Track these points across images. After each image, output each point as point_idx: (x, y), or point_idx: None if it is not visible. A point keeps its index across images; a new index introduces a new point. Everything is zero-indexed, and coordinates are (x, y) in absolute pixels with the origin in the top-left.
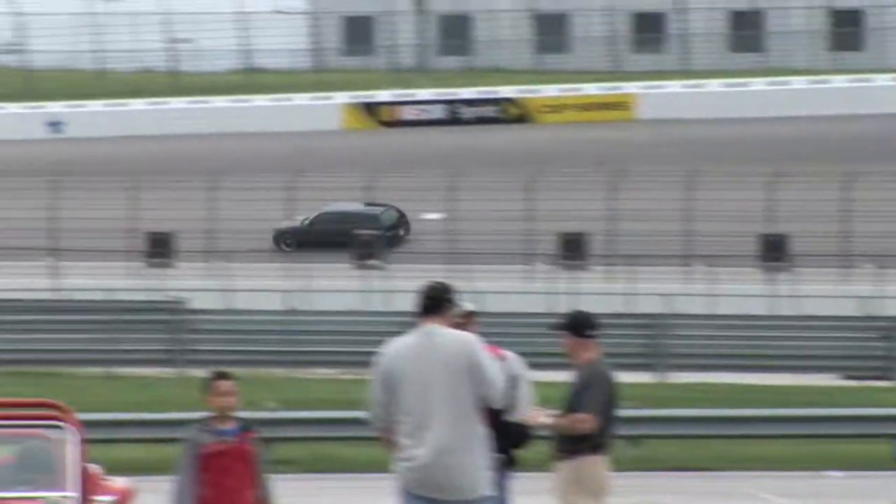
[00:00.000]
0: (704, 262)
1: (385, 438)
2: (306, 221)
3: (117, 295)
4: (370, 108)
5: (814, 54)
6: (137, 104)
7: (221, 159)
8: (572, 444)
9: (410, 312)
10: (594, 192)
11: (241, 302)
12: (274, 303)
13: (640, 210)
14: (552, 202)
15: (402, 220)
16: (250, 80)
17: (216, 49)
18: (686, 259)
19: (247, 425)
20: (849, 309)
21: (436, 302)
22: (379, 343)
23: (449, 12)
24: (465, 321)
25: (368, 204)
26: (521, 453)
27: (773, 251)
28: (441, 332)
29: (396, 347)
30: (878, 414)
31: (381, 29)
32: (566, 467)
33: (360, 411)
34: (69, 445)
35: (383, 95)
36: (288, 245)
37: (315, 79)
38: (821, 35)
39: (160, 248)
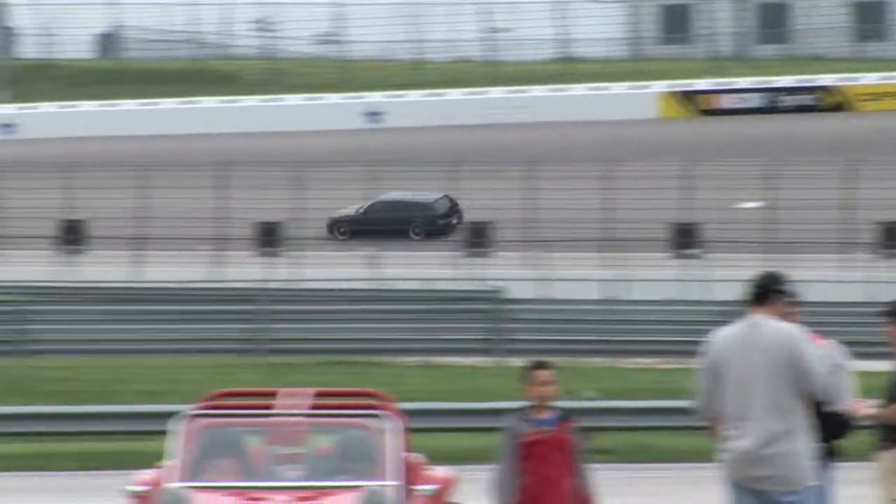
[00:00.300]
0: None
1: (711, 428)
2: (361, 210)
3: (435, 284)
4: (688, 97)
5: None
6: (455, 94)
7: (539, 148)
8: (895, 434)
9: (730, 302)
10: None
11: (559, 291)
12: (592, 292)
13: None
14: (872, 191)
15: (454, 209)
16: (568, 69)
17: (534, 38)
18: None
19: (566, 415)
20: None
21: (764, 292)
22: (698, 332)
23: (767, 0)
24: (789, 311)
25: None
26: (842, 443)
27: None
28: (766, 323)
29: (723, 336)
30: None
31: (699, 17)
32: (888, 457)
33: (679, 400)
34: (390, 434)
35: (701, 84)
36: (342, 233)
37: (632, 67)
38: None
39: (479, 238)
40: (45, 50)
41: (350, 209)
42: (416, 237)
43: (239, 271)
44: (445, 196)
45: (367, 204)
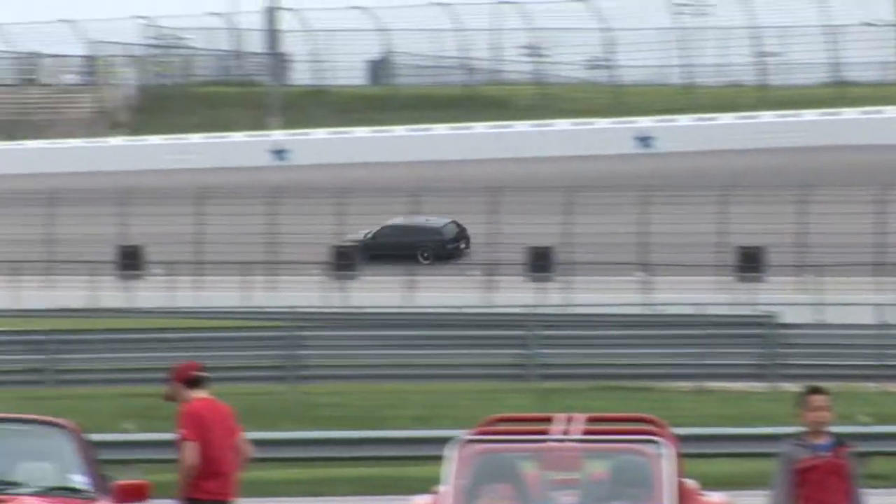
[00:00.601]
0: None
1: None
2: (369, 235)
3: (707, 309)
4: None
5: None
6: (726, 118)
7: (811, 172)
8: None
9: None
10: None
11: (833, 315)
12: (866, 316)
13: None
14: None
15: (462, 234)
16: (840, 92)
17: (805, 62)
18: None
19: (840, 440)
20: None
21: None
22: None
23: None
24: None
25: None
26: None
27: None
28: None
29: None
30: None
31: None
32: None
33: None
34: (665, 460)
35: None
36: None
37: None
38: None
39: (750, 263)
40: (318, 76)
41: (359, 234)
42: (425, 262)
43: (510, 296)
44: (453, 221)
45: (375, 229)
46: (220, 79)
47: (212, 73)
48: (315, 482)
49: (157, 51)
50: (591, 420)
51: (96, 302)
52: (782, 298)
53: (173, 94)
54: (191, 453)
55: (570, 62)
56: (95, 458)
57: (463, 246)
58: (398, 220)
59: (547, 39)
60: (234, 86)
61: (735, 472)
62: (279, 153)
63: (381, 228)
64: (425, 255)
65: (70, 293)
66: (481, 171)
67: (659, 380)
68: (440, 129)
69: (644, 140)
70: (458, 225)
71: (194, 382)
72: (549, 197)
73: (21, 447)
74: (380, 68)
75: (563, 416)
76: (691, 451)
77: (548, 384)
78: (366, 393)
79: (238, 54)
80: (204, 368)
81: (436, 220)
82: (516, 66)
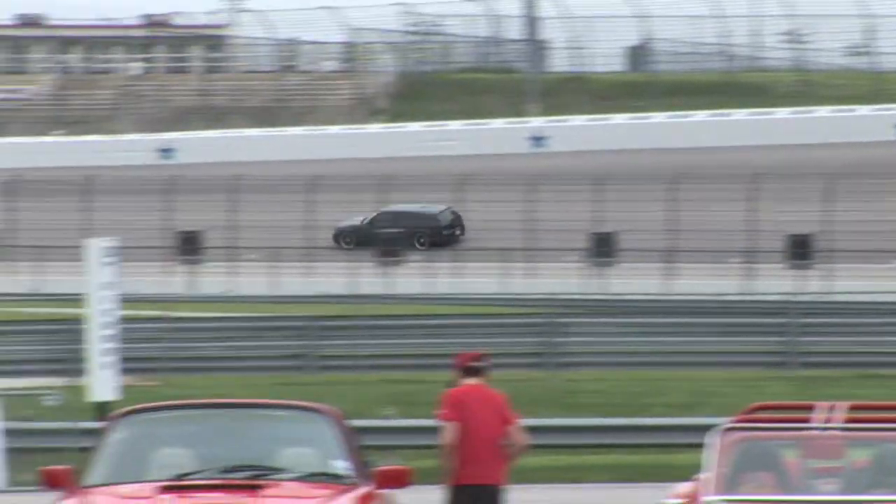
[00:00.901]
0: None
1: None
2: (365, 221)
3: None
4: None
5: None
6: None
7: None
8: None
9: None
10: None
11: None
12: None
13: None
14: None
15: (457, 221)
16: None
17: None
18: None
19: None
20: None
21: None
22: None
23: None
24: None
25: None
26: None
27: None
28: None
29: None
30: None
31: None
32: None
33: None
34: None
35: None
36: (347, 243)
37: None
38: None
39: None
40: (576, 63)
41: (356, 220)
42: (421, 248)
43: (770, 283)
44: (448, 208)
45: (371, 214)
46: (479, 65)
47: (470, 60)
48: (575, 469)
49: (416, 37)
50: (854, 408)
51: (355, 288)
52: None
53: (432, 81)
54: (449, 433)
55: (830, 49)
56: (357, 444)
57: (458, 233)
58: (394, 207)
59: (807, 26)
60: (493, 72)
61: None
62: (538, 140)
63: (378, 214)
64: (421, 241)
65: (329, 279)
66: (740, 157)
67: None
68: (699, 115)
69: None
70: (454, 212)
71: (469, 371)
72: (809, 184)
73: (283, 433)
74: (639, 55)
75: (825, 404)
76: None
77: (808, 372)
78: (626, 380)
79: (497, 41)
80: (483, 357)
81: (431, 207)
82: (776, 52)
